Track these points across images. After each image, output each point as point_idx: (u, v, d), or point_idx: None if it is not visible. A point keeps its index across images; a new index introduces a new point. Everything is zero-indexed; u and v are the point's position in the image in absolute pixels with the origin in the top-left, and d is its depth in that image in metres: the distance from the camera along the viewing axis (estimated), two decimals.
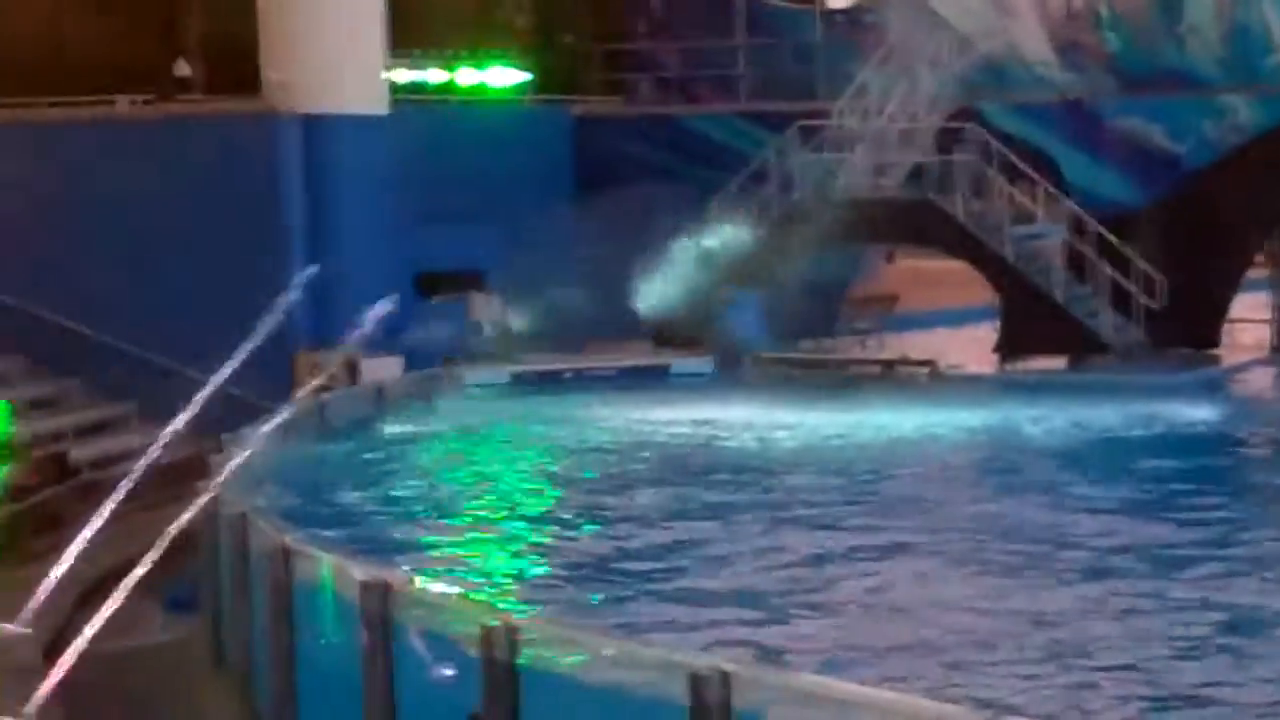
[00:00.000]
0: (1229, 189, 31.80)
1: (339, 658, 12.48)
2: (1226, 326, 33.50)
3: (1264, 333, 34.37)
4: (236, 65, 32.84)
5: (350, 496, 21.36)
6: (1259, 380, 32.22)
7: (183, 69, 34.80)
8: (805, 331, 33.62)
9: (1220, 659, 14.12)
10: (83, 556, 12.13)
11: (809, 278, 33.04)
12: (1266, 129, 31.88)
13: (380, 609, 12.01)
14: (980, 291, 33.67)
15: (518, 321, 31.77)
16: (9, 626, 13.04)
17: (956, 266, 33.63)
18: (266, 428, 22.12)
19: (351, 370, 29.19)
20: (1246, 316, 34.60)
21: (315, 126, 31.09)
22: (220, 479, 14.57)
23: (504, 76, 36.95)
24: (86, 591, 16.09)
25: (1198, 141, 32.42)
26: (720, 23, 37.46)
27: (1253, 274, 34.10)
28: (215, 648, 15.98)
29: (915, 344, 33.40)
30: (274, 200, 30.92)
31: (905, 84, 33.59)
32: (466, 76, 36.54)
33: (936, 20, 34.43)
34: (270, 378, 28.89)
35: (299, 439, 23.54)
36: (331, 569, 12.83)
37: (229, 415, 16.80)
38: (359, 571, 12.25)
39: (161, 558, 11.93)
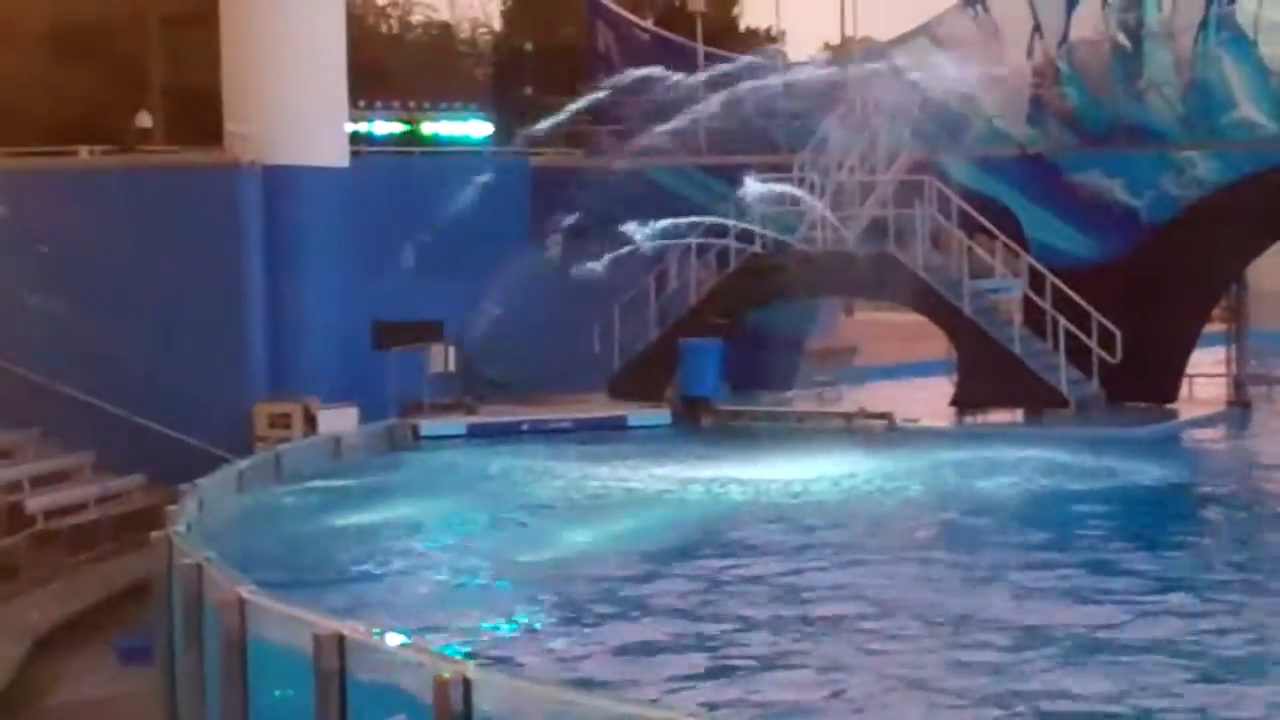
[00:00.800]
0: (1187, 244, 31.92)
1: (293, 711, 12.40)
2: (1184, 381, 33.60)
3: (1221, 387, 34.49)
4: (198, 116, 32.90)
5: (303, 548, 21.23)
6: (1215, 434, 32.29)
7: (144, 120, 34.82)
8: (764, 384, 33.65)
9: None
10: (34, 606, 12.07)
11: (768, 330, 33.11)
12: (1225, 184, 32.03)
13: (334, 661, 11.96)
14: (938, 345, 33.74)
15: (475, 372, 31.77)
16: None
17: (915, 319, 33.70)
18: (223, 478, 22.15)
19: (309, 420, 29.19)
20: (1204, 371, 34.73)
21: (276, 177, 31.13)
22: (175, 528, 14.51)
23: (464, 128, 36.99)
24: (39, 640, 16.05)
25: (1156, 197, 32.55)
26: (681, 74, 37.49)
27: (1210, 328, 34.20)
28: (169, 700, 15.87)
29: (873, 397, 33.44)
30: (234, 250, 30.92)
31: (865, 138, 33.70)
32: (427, 128, 36.59)
33: (897, 74, 34.57)
34: (228, 428, 29.20)
35: (255, 488, 23.51)
36: (287, 620, 12.77)
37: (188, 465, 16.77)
38: (314, 623, 12.20)
39: (114, 608, 11.88)
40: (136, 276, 30.74)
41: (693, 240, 32.92)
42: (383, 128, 36.05)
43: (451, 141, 36.72)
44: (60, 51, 39.41)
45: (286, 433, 28.83)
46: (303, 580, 18.11)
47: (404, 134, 36.29)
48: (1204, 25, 32.80)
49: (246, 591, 13.60)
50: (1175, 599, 17.94)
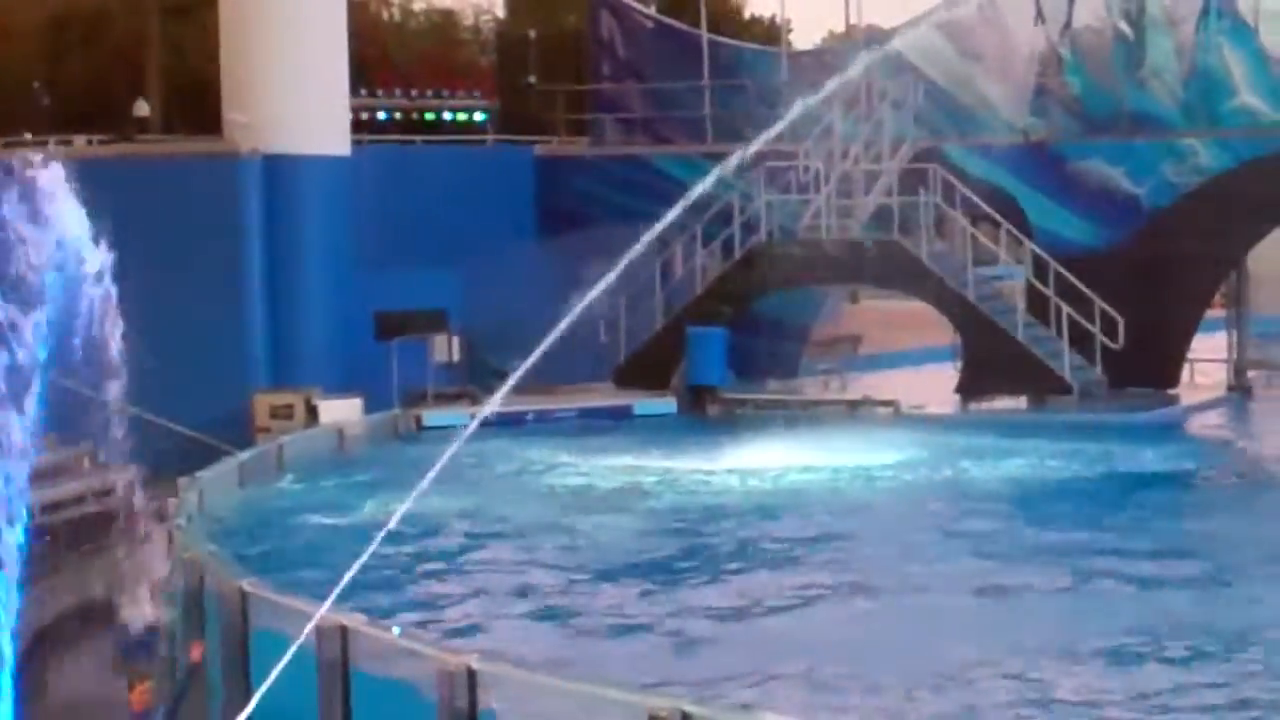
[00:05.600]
0: (1188, 231, 31.90)
1: (297, 703, 12.35)
2: (1186, 366, 33.57)
3: (1222, 372, 34.44)
4: (197, 105, 32.83)
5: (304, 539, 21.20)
6: (1217, 420, 32.25)
7: (142, 109, 34.74)
8: (769, 372, 33.61)
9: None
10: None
11: (773, 318, 33.05)
12: (1226, 171, 31.99)
13: (337, 653, 11.93)
14: (942, 332, 33.69)
15: (480, 362, 31.68)
16: None
17: (919, 307, 33.65)
18: (224, 470, 22.09)
19: (311, 411, 29.07)
20: (1205, 356, 34.68)
21: (276, 167, 31.01)
22: (176, 521, 14.47)
23: (468, 117, 36.94)
24: (40, 632, 15.99)
25: (1158, 184, 32.51)
26: (685, 64, 37.47)
27: (1211, 314, 34.16)
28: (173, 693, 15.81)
29: (878, 384, 33.41)
30: (234, 240, 30.81)
31: (870, 126, 33.64)
32: (430, 116, 36.53)
33: (901, 62, 34.51)
34: (228, 418, 29.08)
35: (256, 481, 23.43)
36: (289, 612, 12.73)
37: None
38: (316, 615, 12.16)
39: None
40: (134, 266, 30.62)
41: (698, 228, 32.83)
42: (385, 116, 35.99)
43: (454, 130, 36.66)
44: (58, 40, 39.37)
45: (289, 424, 28.72)
46: (301, 571, 18.07)
47: (406, 124, 36.22)
48: (1205, 13, 32.78)
49: (248, 584, 13.56)
50: (1173, 582, 18.04)
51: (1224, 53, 32.46)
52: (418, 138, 36.19)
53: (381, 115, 35.95)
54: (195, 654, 12.75)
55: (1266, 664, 15.06)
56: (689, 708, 9.91)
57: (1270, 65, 32.10)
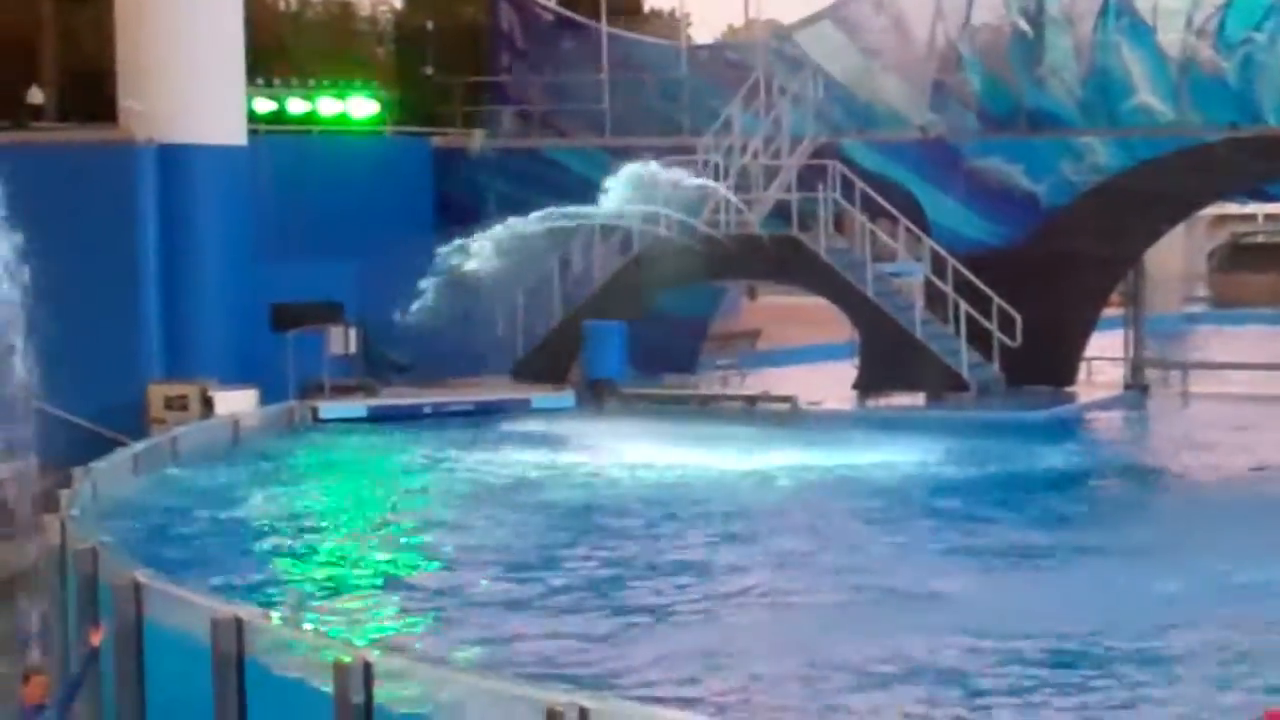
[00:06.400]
0: (1086, 229, 32.06)
1: (191, 697, 12.20)
2: (1083, 365, 33.77)
3: (1119, 371, 34.67)
4: (93, 93, 32.43)
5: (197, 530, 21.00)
6: (1112, 418, 32.47)
7: (36, 96, 34.32)
8: (668, 367, 33.57)
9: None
10: None
11: (671, 313, 33.00)
12: (1123, 170, 32.16)
13: (232, 646, 11.77)
14: (842, 328, 33.75)
15: (377, 355, 31.51)
16: None
17: (819, 303, 33.70)
18: (117, 461, 21.83)
19: (206, 402, 28.80)
20: (1103, 354, 34.91)
21: (172, 156, 30.71)
22: (68, 512, 14.25)
23: (365, 107, 36.70)
24: None
25: (1056, 182, 32.64)
26: (584, 57, 37.37)
27: (1108, 312, 34.39)
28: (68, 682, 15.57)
29: (776, 380, 33.44)
30: (129, 229, 30.48)
31: (769, 121, 33.64)
32: (327, 107, 36.27)
33: (801, 57, 34.55)
34: (123, 409, 28.77)
35: (151, 471, 23.20)
36: (184, 604, 12.57)
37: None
38: (211, 607, 12.01)
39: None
40: (28, 255, 30.25)
41: (595, 222, 32.73)
42: (282, 106, 35.67)
43: (351, 121, 36.41)
44: None
45: (183, 415, 28.44)
46: (195, 564, 17.90)
47: (303, 114, 35.93)
48: (1104, 12, 32.91)
49: (142, 575, 13.37)
50: (1065, 572, 18.15)
51: (1122, 52, 32.62)
52: (315, 128, 35.92)
53: (278, 105, 35.63)
54: (95, 638, 12.55)
55: (1137, 658, 15.16)
56: (587, 703, 9.82)
57: (1168, 65, 32.30)
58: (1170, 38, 32.45)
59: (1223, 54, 32.07)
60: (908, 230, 32.69)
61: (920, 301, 31.88)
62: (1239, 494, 24.41)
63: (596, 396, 31.51)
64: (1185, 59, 32.27)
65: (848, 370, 32.70)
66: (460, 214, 33.91)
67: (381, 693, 10.68)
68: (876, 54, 34.56)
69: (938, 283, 31.80)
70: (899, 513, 22.38)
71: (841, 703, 14.09)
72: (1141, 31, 32.66)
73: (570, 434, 28.14)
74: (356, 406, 30.18)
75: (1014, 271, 31.74)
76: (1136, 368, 34.54)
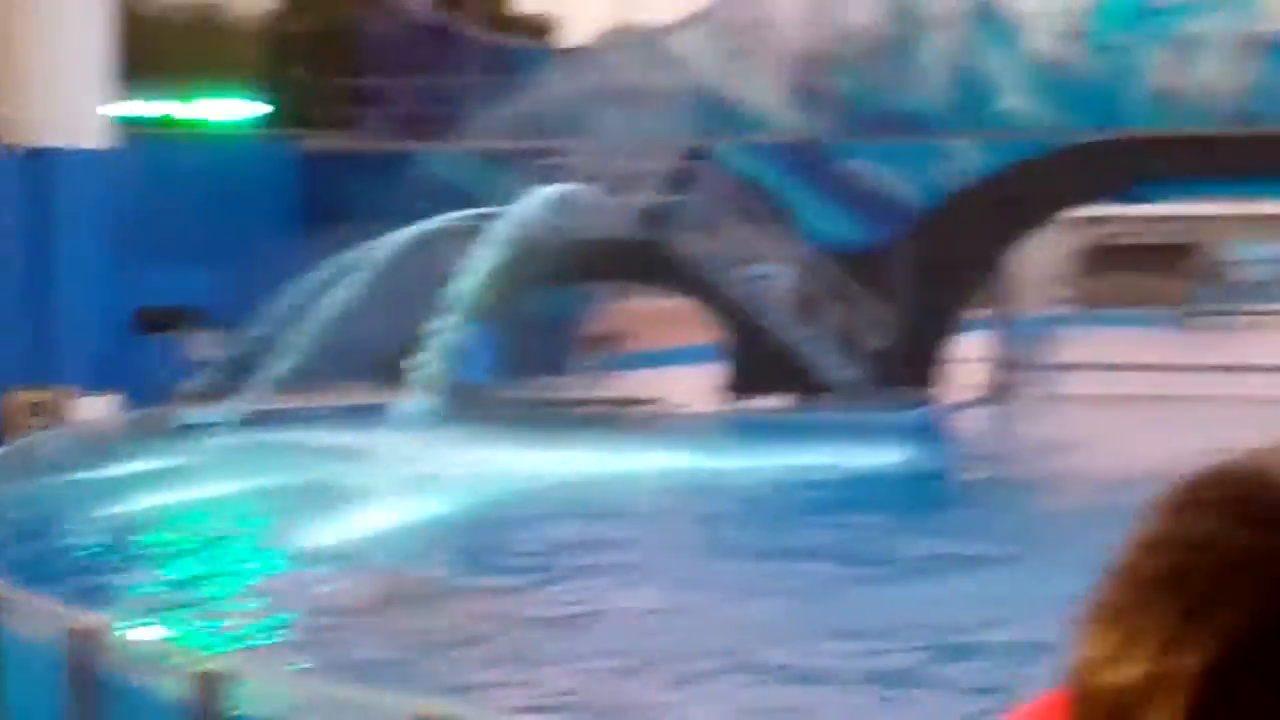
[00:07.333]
0: (953, 231, 32.26)
1: (43, 708, 12.03)
2: (947, 367, 33.97)
3: (984, 373, 34.93)
4: None
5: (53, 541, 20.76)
6: (976, 419, 32.68)
7: None
8: (536, 369, 33.50)
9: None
10: None
11: (539, 316, 32.96)
12: (991, 173, 32.41)
13: (87, 657, 11.61)
14: (711, 330, 33.79)
15: (240, 360, 31.24)
16: None
17: (689, 305, 33.74)
18: None
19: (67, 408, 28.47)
20: (968, 356, 35.14)
21: (37, 160, 30.38)
22: None
23: (235, 110, 36.44)
24: None
25: (924, 184, 32.86)
26: (454, 59, 37.25)
27: (974, 315, 34.62)
28: None
29: (644, 382, 33.44)
30: None
31: (637, 124, 33.65)
32: (196, 110, 35.98)
33: (671, 60, 34.61)
34: None
35: (7, 479, 22.89)
36: (37, 614, 12.40)
37: None
38: (65, 617, 11.85)
39: None
40: None
41: (464, 225, 32.59)
42: (150, 109, 35.38)
43: (219, 125, 36.15)
44: None
45: (43, 421, 28.11)
46: (53, 573, 17.67)
47: (172, 118, 35.67)
48: (972, 15, 33.18)
49: None
50: (919, 579, 18.24)
51: (990, 55, 32.91)
52: (182, 132, 35.62)
53: (146, 109, 35.32)
54: None
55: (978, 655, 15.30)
56: (459, 711, 9.79)
57: (1036, 67, 32.60)
58: (1038, 41, 32.78)
59: (1090, 57, 32.42)
60: (776, 232, 32.79)
61: (787, 304, 31.98)
62: (1087, 498, 24.52)
63: (462, 401, 31.34)
64: (1052, 62, 32.60)
65: (717, 372, 32.75)
66: (328, 217, 33.69)
67: (241, 702, 10.57)
68: (746, 57, 34.67)
69: (806, 285, 31.91)
70: (743, 516, 22.35)
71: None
72: (1009, 35, 32.96)
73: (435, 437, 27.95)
74: (220, 413, 29.89)
75: (882, 273, 31.93)
76: (1001, 370, 34.83)
